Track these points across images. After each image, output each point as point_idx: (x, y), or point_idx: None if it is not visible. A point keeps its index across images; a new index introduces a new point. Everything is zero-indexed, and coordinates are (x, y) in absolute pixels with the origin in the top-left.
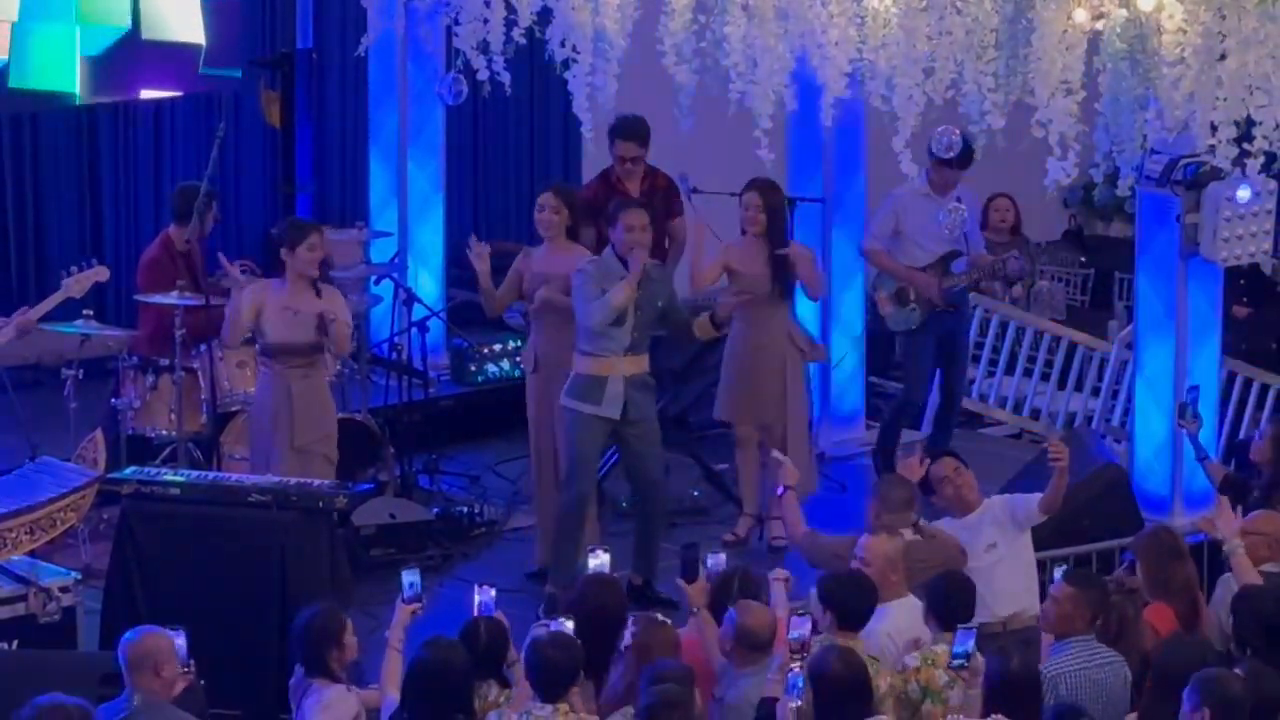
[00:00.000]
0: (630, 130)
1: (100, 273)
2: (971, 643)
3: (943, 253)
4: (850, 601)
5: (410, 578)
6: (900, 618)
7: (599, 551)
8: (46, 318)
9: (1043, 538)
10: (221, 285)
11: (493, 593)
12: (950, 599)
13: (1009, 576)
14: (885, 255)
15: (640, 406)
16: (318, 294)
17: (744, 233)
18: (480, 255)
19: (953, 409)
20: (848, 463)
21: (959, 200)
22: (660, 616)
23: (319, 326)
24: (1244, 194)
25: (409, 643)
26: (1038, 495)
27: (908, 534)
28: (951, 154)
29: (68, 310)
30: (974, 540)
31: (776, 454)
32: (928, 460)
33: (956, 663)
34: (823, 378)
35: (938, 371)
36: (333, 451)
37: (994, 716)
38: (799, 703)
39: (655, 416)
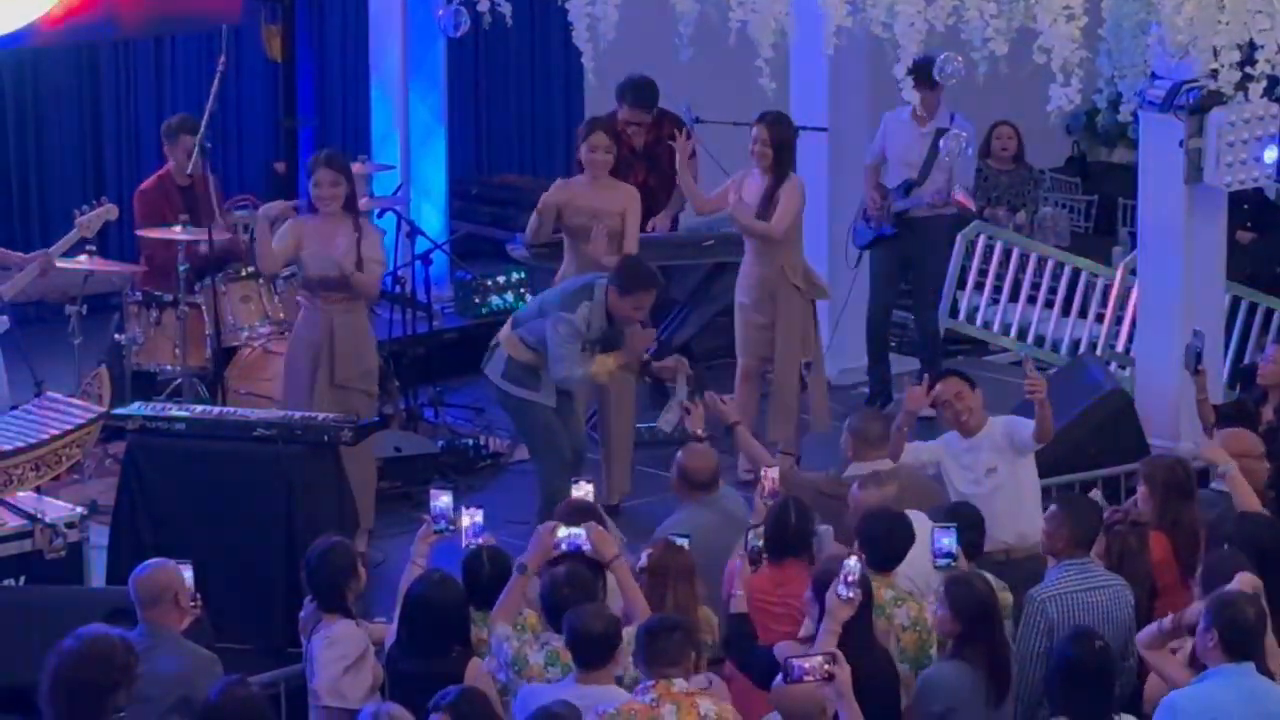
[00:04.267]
0: (637, 98)
1: (110, 210)
2: (953, 538)
3: (909, 177)
4: (883, 541)
5: (440, 500)
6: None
7: (582, 483)
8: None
9: (1048, 465)
10: (236, 218)
11: (479, 515)
12: (888, 541)
13: (1009, 501)
14: (869, 174)
15: (567, 395)
16: (355, 229)
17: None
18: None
19: (925, 336)
20: (852, 391)
21: (952, 124)
22: (678, 541)
23: (358, 260)
24: (1271, 155)
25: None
26: (1031, 423)
27: (885, 466)
28: (955, 81)
29: (73, 249)
30: (974, 462)
31: (712, 395)
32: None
33: (943, 562)
34: (829, 307)
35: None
36: (374, 387)
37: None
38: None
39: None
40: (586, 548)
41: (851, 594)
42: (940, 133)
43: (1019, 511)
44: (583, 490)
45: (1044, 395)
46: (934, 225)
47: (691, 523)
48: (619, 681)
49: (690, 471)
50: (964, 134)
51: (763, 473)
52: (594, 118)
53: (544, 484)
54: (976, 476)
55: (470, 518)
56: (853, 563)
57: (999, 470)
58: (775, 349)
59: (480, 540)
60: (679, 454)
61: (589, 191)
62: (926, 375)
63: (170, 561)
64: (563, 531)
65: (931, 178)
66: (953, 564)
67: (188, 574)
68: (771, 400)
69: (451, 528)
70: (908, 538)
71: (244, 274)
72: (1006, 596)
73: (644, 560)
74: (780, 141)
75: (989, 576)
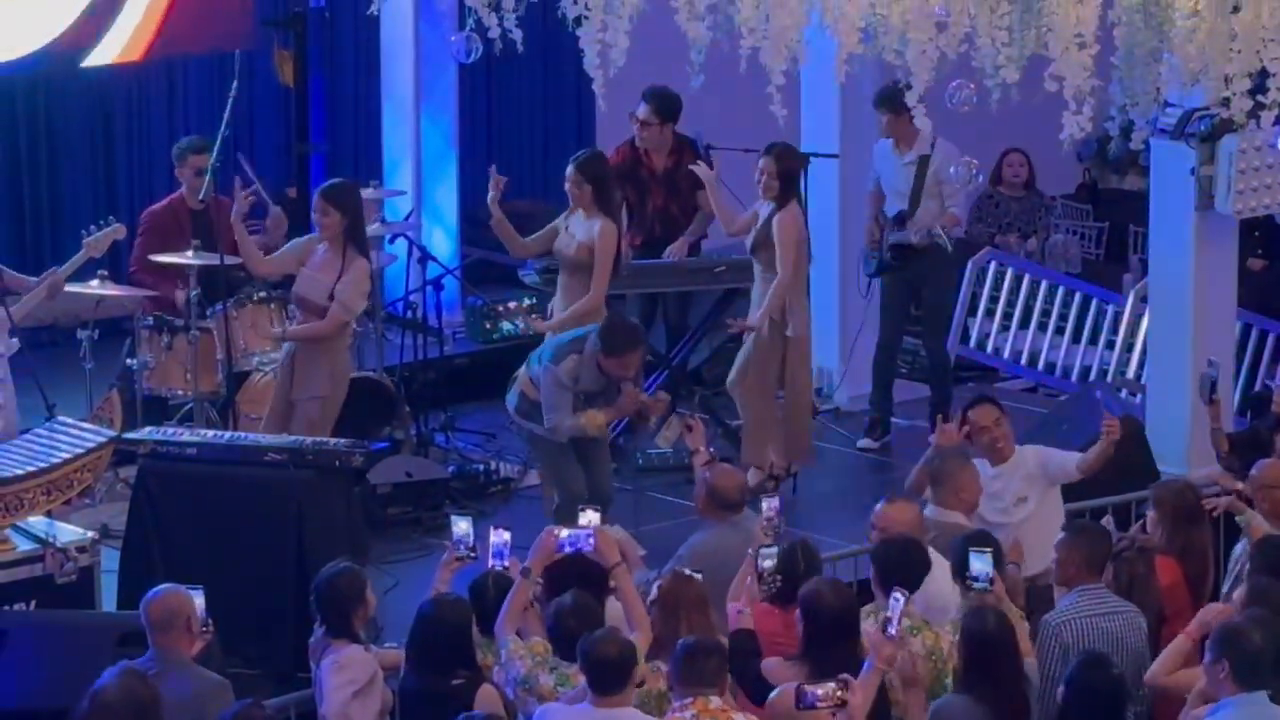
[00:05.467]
0: (657, 104)
1: (118, 230)
2: (988, 562)
3: (901, 208)
4: (898, 568)
5: (459, 526)
6: (935, 583)
7: (588, 511)
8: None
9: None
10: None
11: (507, 535)
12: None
13: (1039, 532)
14: (870, 203)
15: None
16: (344, 264)
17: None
18: (496, 184)
19: (934, 363)
20: (864, 419)
21: (933, 148)
22: (688, 571)
23: (331, 295)
24: None
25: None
26: (1075, 455)
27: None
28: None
29: (84, 272)
30: (1005, 491)
31: (689, 417)
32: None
33: (980, 585)
34: (841, 332)
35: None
36: (317, 416)
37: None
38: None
39: (606, 435)
40: (587, 548)
41: (898, 633)
42: (924, 160)
43: (1050, 541)
44: (588, 517)
45: (1117, 437)
46: (937, 253)
47: (718, 542)
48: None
49: (720, 491)
50: (975, 161)
51: (764, 503)
52: (581, 155)
53: (555, 515)
54: (1005, 505)
55: (496, 537)
56: (899, 600)
57: (1030, 500)
58: (739, 370)
59: (505, 563)
60: (706, 474)
61: (580, 222)
62: (960, 411)
63: (181, 587)
64: (564, 532)
65: (923, 205)
66: (989, 588)
67: (199, 600)
68: (743, 426)
69: (473, 554)
70: (924, 565)
71: (255, 299)
72: (1024, 626)
73: (654, 593)
74: (785, 173)
75: (1012, 609)
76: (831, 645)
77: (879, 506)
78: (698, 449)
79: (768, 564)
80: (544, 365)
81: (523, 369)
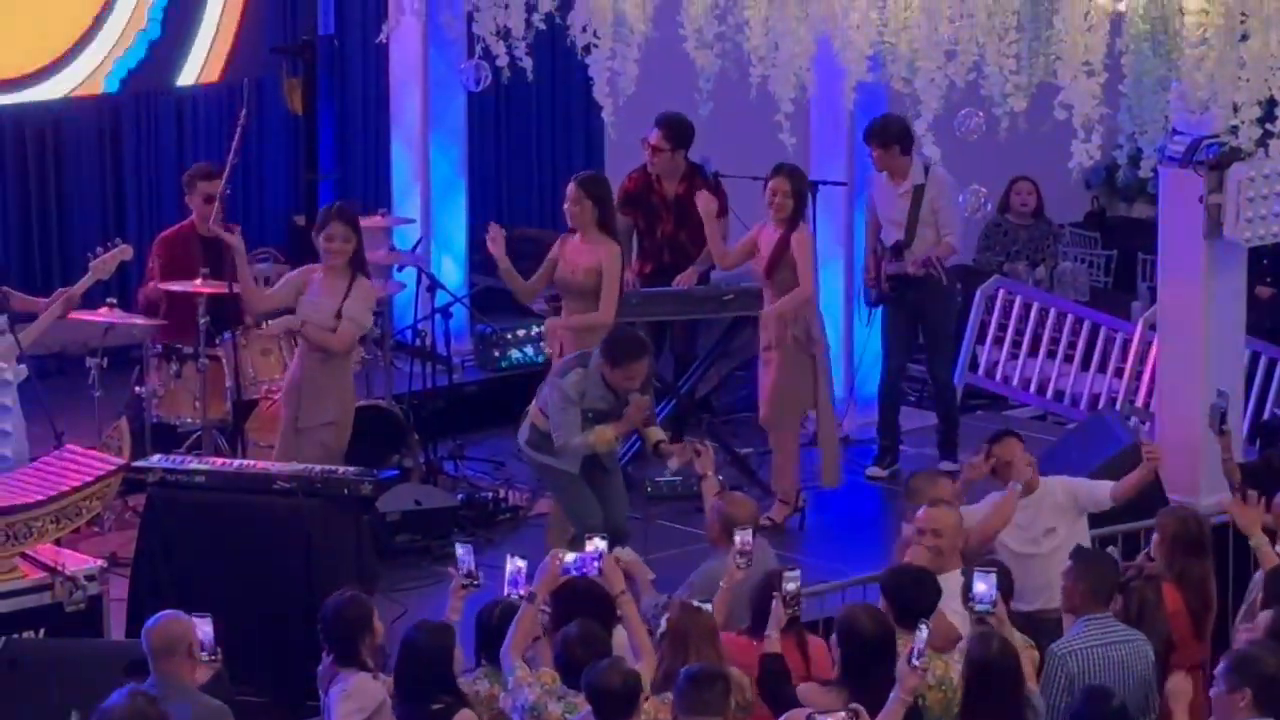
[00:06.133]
0: (667, 124)
1: (124, 251)
2: (993, 584)
3: (898, 238)
4: (911, 597)
5: (459, 553)
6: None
7: (595, 539)
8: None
9: None
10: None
11: (522, 563)
12: (914, 597)
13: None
14: (869, 234)
15: (603, 457)
16: (350, 284)
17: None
18: (495, 239)
19: (940, 390)
20: (871, 446)
21: (927, 177)
22: (696, 603)
23: (338, 315)
24: None
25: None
26: (1106, 483)
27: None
28: (975, 137)
29: (93, 297)
30: (1033, 523)
31: (697, 442)
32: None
33: (982, 608)
34: (848, 361)
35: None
36: (332, 441)
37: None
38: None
39: (615, 463)
40: (593, 572)
41: (921, 663)
42: (919, 189)
43: None
44: (594, 543)
45: (1158, 463)
46: (935, 281)
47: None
48: None
49: (729, 518)
50: (983, 190)
51: (736, 536)
52: (581, 174)
53: (571, 549)
54: (1034, 536)
55: (511, 565)
56: (924, 633)
57: (1059, 531)
58: (771, 400)
59: (520, 591)
60: (719, 502)
61: (578, 246)
62: (986, 445)
63: (182, 613)
64: (570, 556)
65: (919, 235)
66: (990, 610)
67: (206, 627)
68: (776, 456)
69: (475, 582)
70: (934, 593)
71: (264, 327)
72: (1033, 654)
73: (663, 625)
74: (798, 192)
75: (1015, 635)
76: (868, 669)
77: (923, 511)
78: (706, 474)
79: (791, 587)
80: (551, 381)
81: (533, 402)
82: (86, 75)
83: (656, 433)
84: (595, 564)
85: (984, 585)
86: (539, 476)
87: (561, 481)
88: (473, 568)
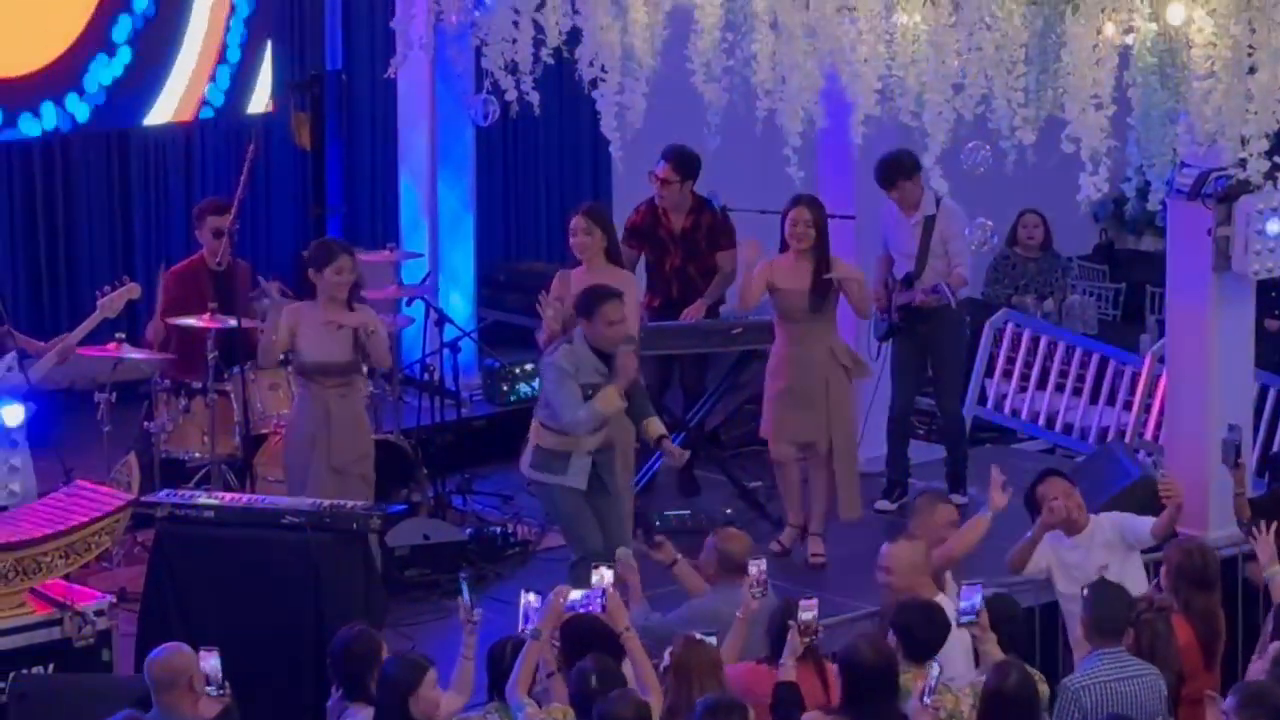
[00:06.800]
0: (675, 157)
1: (132, 289)
2: (979, 598)
3: (909, 269)
4: (919, 631)
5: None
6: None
7: (602, 569)
8: (83, 340)
9: None
10: (257, 307)
11: (534, 598)
12: (924, 631)
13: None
14: (880, 266)
15: (605, 475)
16: (351, 310)
17: (784, 249)
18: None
19: (949, 423)
20: (880, 479)
21: (939, 208)
22: (699, 635)
23: (355, 344)
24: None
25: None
26: (1148, 519)
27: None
28: (983, 170)
29: (101, 333)
30: (1085, 562)
31: (658, 538)
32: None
33: (966, 619)
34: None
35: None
36: (370, 471)
37: None
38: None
39: (618, 487)
40: (597, 609)
41: (932, 700)
42: (930, 220)
43: None
44: (600, 575)
45: (1180, 501)
46: (945, 313)
47: (715, 606)
48: None
49: (731, 555)
50: (989, 223)
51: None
52: (583, 205)
53: (571, 571)
54: (1089, 575)
55: (524, 601)
56: (935, 670)
57: (1111, 567)
58: (831, 430)
59: (531, 626)
60: (712, 538)
61: (585, 277)
62: (1029, 487)
63: (185, 645)
64: (575, 594)
65: (930, 266)
66: (975, 620)
67: (212, 661)
68: (839, 482)
69: (470, 620)
70: (944, 627)
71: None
72: (1043, 688)
73: (666, 659)
74: (820, 221)
75: (994, 642)
76: (870, 700)
77: (885, 548)
78: (673, 562)
79: (806, 616)
80: (542, 365)
81: (532, 423)
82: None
83: (656, 426)
84: (599, 601)
85: (973, 598)
86: (543, 502)
87: (565, 503)
88: (468, 603)
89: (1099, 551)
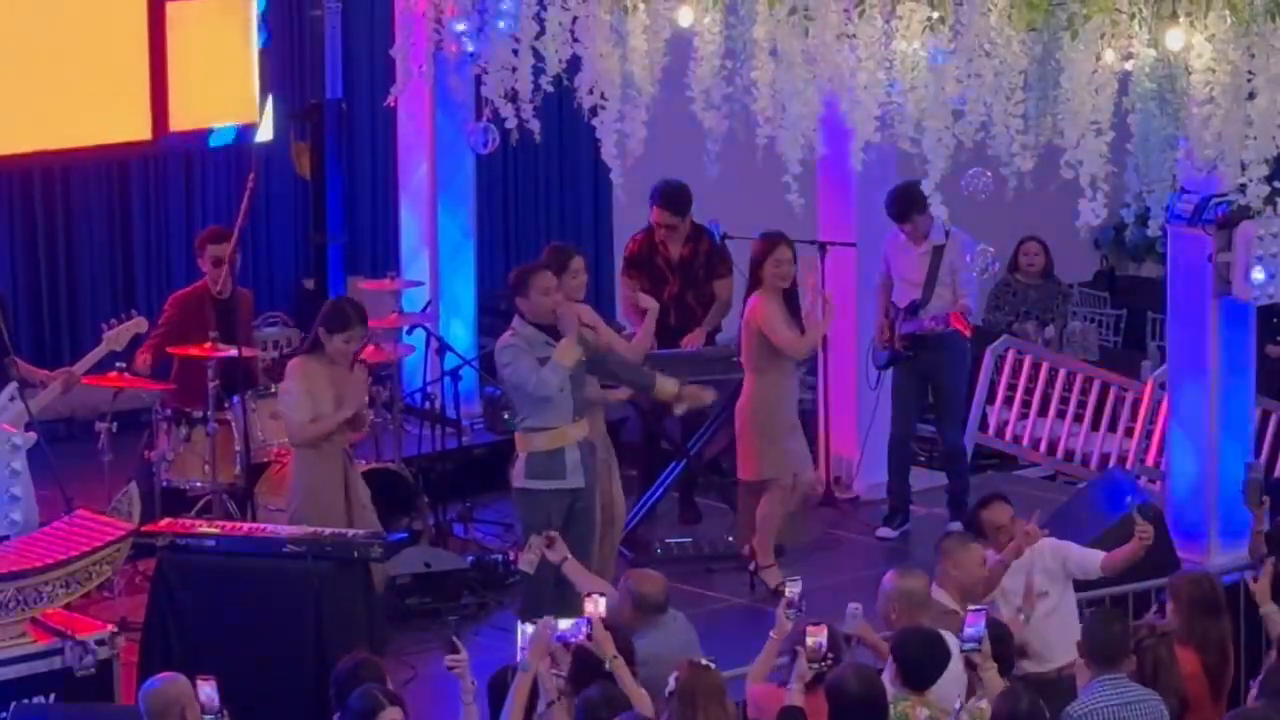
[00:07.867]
0: (666, 198)
1: (139, 324)
2: (982, 624)
3: (914, 296)
4: (917, 659)
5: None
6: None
7: (597, 597)
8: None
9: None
10: (258, 338)
11: (529, 628)
12: (924, 660)
13: (1062, 626)
14: (879, 294)
15: (590, 472)
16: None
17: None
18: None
19: (950, 451)
20: (882, 507)
21: (948, 237)
22: (705, 661)
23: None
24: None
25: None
26: (1096, 553)
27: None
28: (983, 196)
29: (102, 362)
30: (1019, 587)
31: (549, 533)
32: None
33: (969, 646)
34: (856, 421)
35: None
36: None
37: None
38: None
39: (596, 484)
40: (580, 637)
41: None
42: (938, 249)
43: (1069, 635)
44: (594, 604)
45: (1150, 541)
46: (949, 341)
47: (649, 649)
48: None
49: (647, 596)
50: (991, 249)
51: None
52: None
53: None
54: (1019, 599)
55: (520, 630)
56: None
57: (1050, 595)
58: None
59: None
60: (627, 580)
61: (590, 312)
62: (972, 509)
63: (181, 675)
64: (563, 624)
65: (937, 294)
66: (978, 648)
67: (209, 689)
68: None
69: (453, 667)
70: (944, 657)
71: (273, 390)
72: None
73: (671, 684)
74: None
75: (994, 670)
76: None
77: (889, 579)
78: (562, 560)
79: (812, 642)
80: (496, 354)
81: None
82: None
83: (666, 383)
84: (585, 629)
85: (973, 626)
86: (524, 511)
87: (551, 504)
88: (457, 652)
89: (1037, 577)
